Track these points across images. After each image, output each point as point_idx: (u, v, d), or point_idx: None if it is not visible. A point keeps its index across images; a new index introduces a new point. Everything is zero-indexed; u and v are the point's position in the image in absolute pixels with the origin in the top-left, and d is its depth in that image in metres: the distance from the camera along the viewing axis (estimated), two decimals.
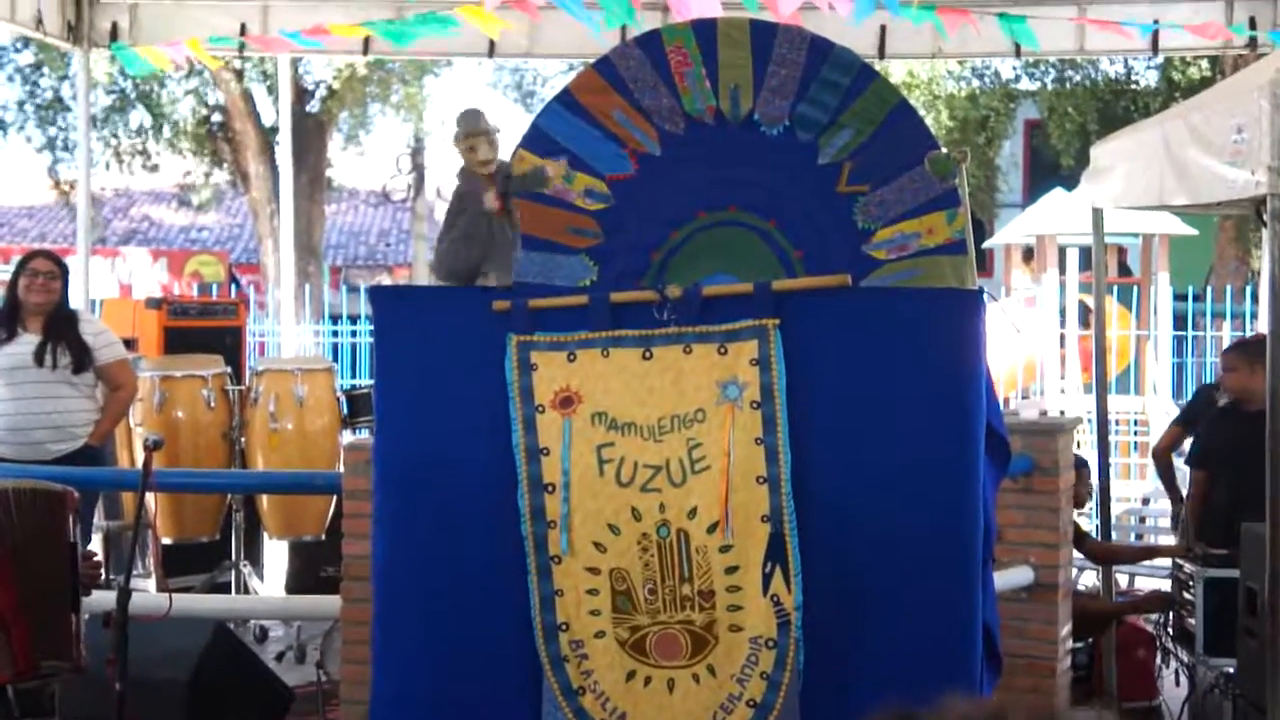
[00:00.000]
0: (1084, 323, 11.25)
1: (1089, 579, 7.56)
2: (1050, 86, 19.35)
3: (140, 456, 4.37)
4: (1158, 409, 11.25)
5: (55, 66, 18.76)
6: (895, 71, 16.05)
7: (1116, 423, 10.59)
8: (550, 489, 3.52)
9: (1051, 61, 17.96)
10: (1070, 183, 10.87)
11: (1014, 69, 19.41)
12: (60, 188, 21.59)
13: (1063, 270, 11.68)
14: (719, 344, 3.48)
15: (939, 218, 3.65)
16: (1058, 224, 11.53)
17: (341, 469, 5.43)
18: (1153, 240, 11.91)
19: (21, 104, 20.62)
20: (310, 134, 19.50)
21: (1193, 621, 5.59)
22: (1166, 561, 6.54)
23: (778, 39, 3.70)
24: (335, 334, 16.22)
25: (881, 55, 8.44)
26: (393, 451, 3.67)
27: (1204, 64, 17.09)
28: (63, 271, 6.56)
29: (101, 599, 4.18)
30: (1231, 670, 5.35)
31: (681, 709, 3.50)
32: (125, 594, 3.88)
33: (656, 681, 3.51)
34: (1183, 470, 7.03)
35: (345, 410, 7.38)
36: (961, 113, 19.03)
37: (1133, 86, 19.68)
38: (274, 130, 18.52)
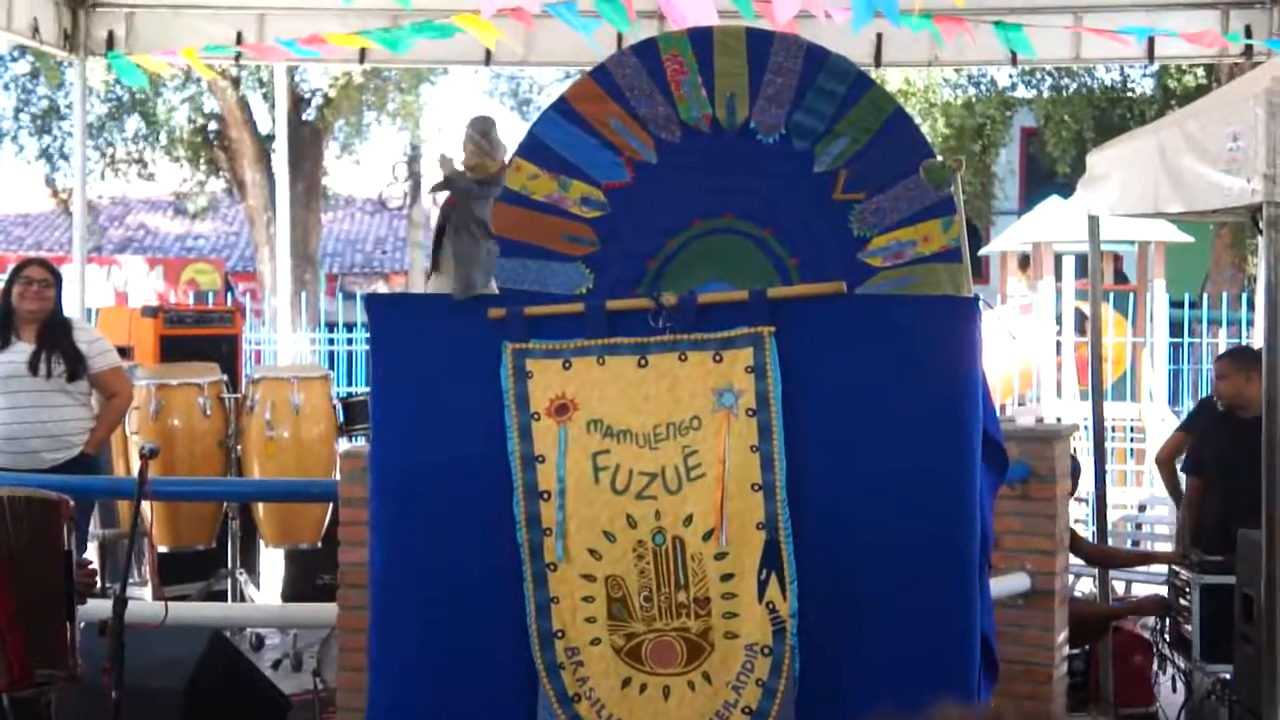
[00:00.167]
0: (1080, 330, 11.25)
1: (1085, 585, 7.56)
2: (1046, 94, 19.35)
3: (136, 465, 4.35)
4: (1154, 416, 11.26)
5: (51, 75, 18.73)
6: (891, 79, 16.06)
7: (1112, 429, 10.57)
8: (546, 496, 3.53)
9: (1048, 69, 17.97)
10: (1066, 190, 10.87)
11: (1010, 77, 19.43)
12: (56, 196, 21.55)
13: (1059, 277, 11.68)
14: (714, 351, 3.48)
15: (934, 225, 3.65)
16: (1054, 231, 11.54)
17: (338, 477, 5.43)
18: (1149, 247, 11.91)
19: (18, 112, 20.61)
20: (306, 142, 19.48)
21: (1189, 627, 5.60)
22: (1163, 568, 6.55)
23: (774, 47, 3.70)
24: (331, 342, 16.22)
25: (878, 63, 8.44)
26: (389, 459, 3.67)
27: (1200, 72, 17.12)
28: (56, 279, 6.53)
29: (97, 607, 4.17)
30: (1228, 676, 5.36)
31: (677, 716, 3.50)
32: (121, 602, 3.88)
33: (652, 689, 3.51)
34: (1184, 477, 7.03)
35: (341, 418, 7.38)
36: (958, 120, 19.04)
37: (1129, 94, 19.70)
38: (270, 138, 18.51)
